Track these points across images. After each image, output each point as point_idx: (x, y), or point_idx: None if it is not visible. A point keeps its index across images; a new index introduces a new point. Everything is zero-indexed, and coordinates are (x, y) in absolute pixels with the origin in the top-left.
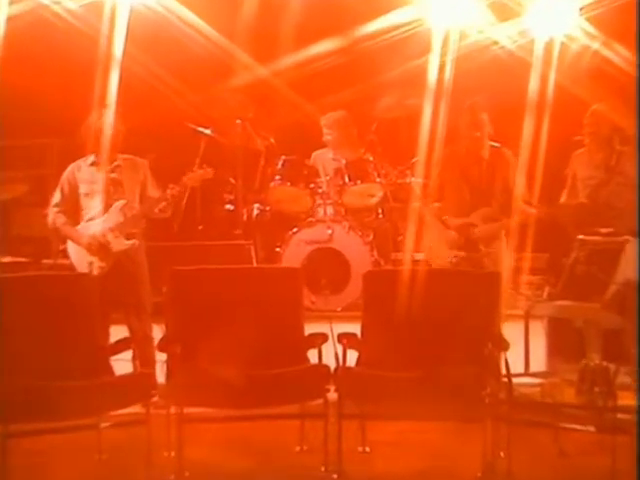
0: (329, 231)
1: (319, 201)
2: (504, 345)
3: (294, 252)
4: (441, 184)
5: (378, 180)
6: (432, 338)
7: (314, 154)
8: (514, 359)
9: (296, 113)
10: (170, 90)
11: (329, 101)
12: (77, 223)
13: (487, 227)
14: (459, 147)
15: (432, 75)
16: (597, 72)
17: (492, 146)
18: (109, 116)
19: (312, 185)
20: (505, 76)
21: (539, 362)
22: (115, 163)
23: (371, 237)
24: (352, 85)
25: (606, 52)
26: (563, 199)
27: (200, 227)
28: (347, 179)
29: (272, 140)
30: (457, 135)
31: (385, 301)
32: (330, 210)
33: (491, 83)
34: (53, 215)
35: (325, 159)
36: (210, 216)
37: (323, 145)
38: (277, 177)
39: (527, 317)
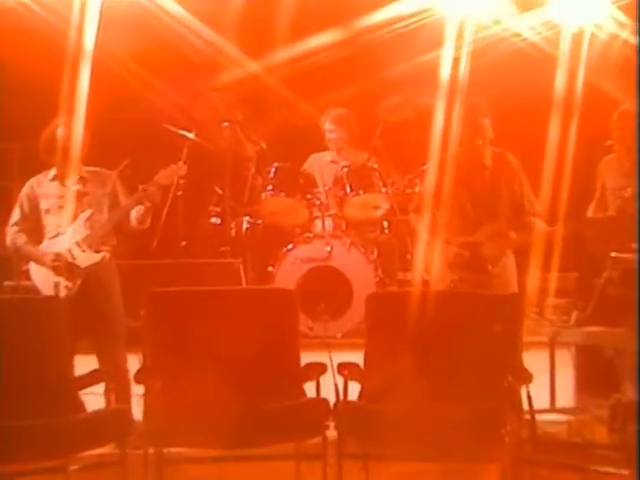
0: (328, 248)
1: (317, 214)
2: (526, 377)
3: (288, 271)
4: (438, 194)
5: (383, 190)
6: (444, 369)
7: (311, 158)
8: (537, 393)
9: (291, 114)
10: (148, 88)
11: (328, 100)
12: (39, 242)
13: (494, 244)
14: (459, 153)
15: (445, 72)
16: (628, 65)
17: (494, 151)
18: (73, 123)
19: (309, 196)
20: (527, 72)
21: (566, 396)
22: (79, 176)
23: (375, 254)
24: (354, 83)
25: (636, 41)
26: (591, 212)
27: (183, 243)
28: (348, 189)
29: (264, 145)
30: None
31: (391, 327)
32: (329, 224)
33: (511, 80)
34: (12, 235)
35: (323, 164)
36: (194, 231)
37: (322, 150)
38: (269, 187)
39: (552, 345)
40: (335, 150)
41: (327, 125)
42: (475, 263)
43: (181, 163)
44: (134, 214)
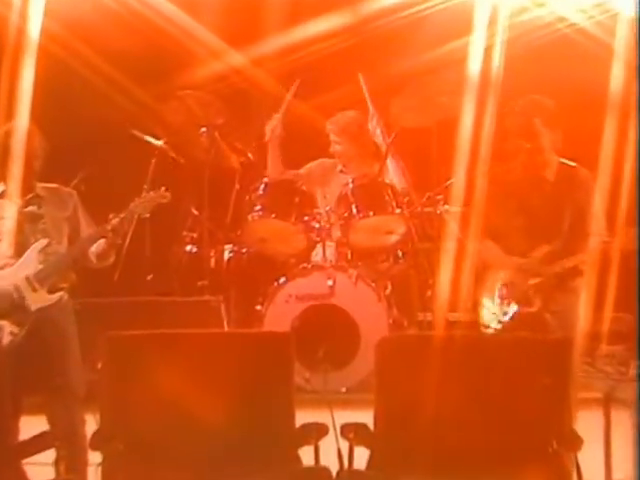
0: (330, 282)
1: (316, 240)
2: (575, 442)
3: (281, 311)
4: (488, 215)
5: (398, 211)
6: (474, 432)
7: (307, 167)
8: (590, 462)
9: (284, 117)
10: (110, 86)
11: (329, 100)
12: None
13: (550, 273)
14: (514, 165)
15: (474, 64)
16: None
17: (562, 164)
18: (23, 127)
19: (306, 217)
20: (575, 64)
21: (625, 466)
22: (33, 194)
23: (389, 290)
24: (361, 79)
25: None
26: None
27: (149, 277)
28: (355, 209)
29: (250, 156)
30: (506, 149)
31: (408, 379)
32: (331, 252)
33: (556, 74)
34: None
35: (325, 177)
36: (164, 262)
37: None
38: (257, 207)
39: (607, 403)
40: (341, 163)
41: (331, 135)
42: (524, 295)
43: (163, 190)
44: (95, 248)
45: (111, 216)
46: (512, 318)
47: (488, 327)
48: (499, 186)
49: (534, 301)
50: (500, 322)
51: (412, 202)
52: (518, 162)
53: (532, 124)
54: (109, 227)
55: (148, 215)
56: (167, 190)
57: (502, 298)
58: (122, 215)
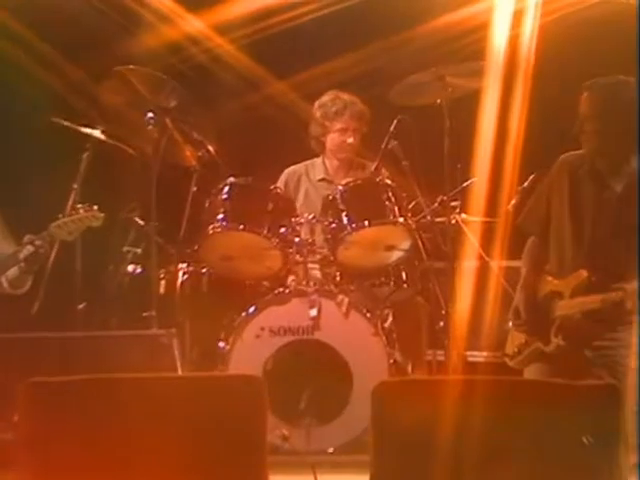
0: (313, 311)
1: (296, 257)
2: None
3: (251, 349)
4: (531, 228)
5: (401, 220)
6: None
7: (287, 172)
8: None
9: (257, 101)
10: (32, 60)
11: (315, 79)
12: None
13: (605, 300)
14: (569, 162)
15: (498, 37)
16: None
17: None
18: None
19: (284, 229)
20: (625, 43)
21: None
22: None
23: (389, 322)
24: (355, 52)
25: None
26: None
27: (80, 306)
28: (346, 219)
29: (211, 149)
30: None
31: (413, 437)
32: (316, 274)
33: (603, 54)
34: None
35: (308, 181)
36: (99, 286)
37: (307, 157)
38: (220, 215)
39: None
40: (329, 159)
41: (335, 124)
42: (570, 326)
43: (96, 209)
44: (9, 273)
45: (26, 239)
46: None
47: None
48: (551, 191)
49: (571, 334)
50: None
51: (420, 209)
52: (574, 160)
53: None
54: (21, 256)
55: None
56: (102, 194)
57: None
58: (37, 242)
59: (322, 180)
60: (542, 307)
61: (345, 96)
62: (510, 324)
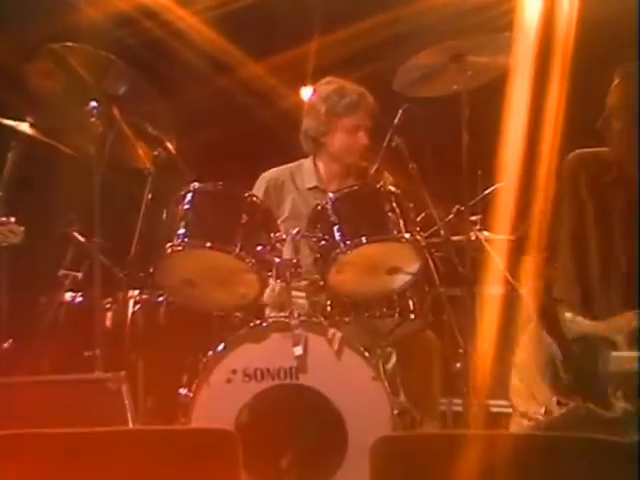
0: (298, 349)
1: (277, 282)
2: None
3: (220, 397)
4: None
5: (407, 236)
6: None
7: (266, 177)
8: None
9: (228, 86)
10: None
11: (300, 60)
12: None
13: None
14: (586, 164)
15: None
16: None
17: None
18: None
19: (261, 247)
20: None
21: None
22: None
23: (392, 362)
24: (351, 26)
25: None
26: None
27: (7, 344)
28: (338, 234)
29: (170, 147)
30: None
31: None
32: (302, 303)
33: None
34: None
35: (295, 188)
36: (29, 319)
37: (289, 156)
38: (181, 230)
39: None
40: (323, 161)
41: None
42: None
43: (13, 221)
44: None
45: None
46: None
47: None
48: (568, 194)
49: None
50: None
51: (431, 222)
52: (603, 157)
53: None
54: None
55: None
56: (30, 204)
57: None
58: None
59: (314, 188)
60: (587, 359)
61: (351, 86)
62: (541, 378)
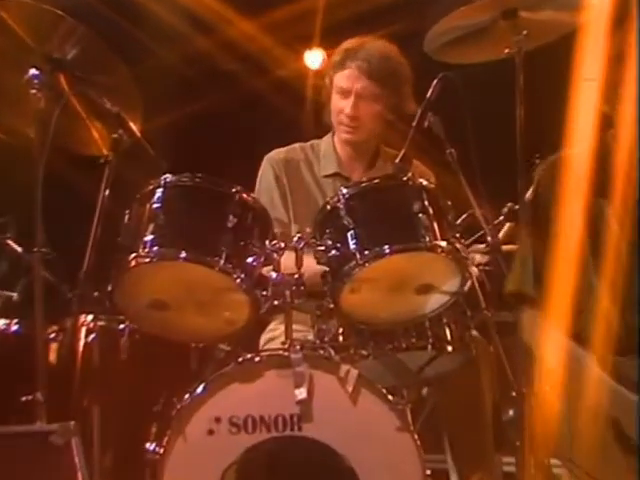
0: (301, 391)
1: (272, 303)
2: None
3: (200, 452)
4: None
5: (444, 244)
6: None
7: (273, 158)
8: None
9: (210, 49)
10: None
11: (305, 15)
12: None
13: None
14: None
15: None
16: None
17: None
18: None
19: (252, 258)
20: None
21: None
22: None
23: (425, 409)
24: None
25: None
26: None
27: None
28: (354, 241)
29: (134, 128)
30: None
31: None
32: (303, 328)
33: None
34: None
35: (310, 174)
36: None
37: (293, 138)
38: (149, 236)
39: None
40: (344, 138)
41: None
42: None
43: None
44: None
45: None
46: None
47: None
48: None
49: None
50: None
51: (475, 225)
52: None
53: None
54: None
55: None
56: None
57: None
58: None
59: (334, 175)
60: None
61: (368, 39)
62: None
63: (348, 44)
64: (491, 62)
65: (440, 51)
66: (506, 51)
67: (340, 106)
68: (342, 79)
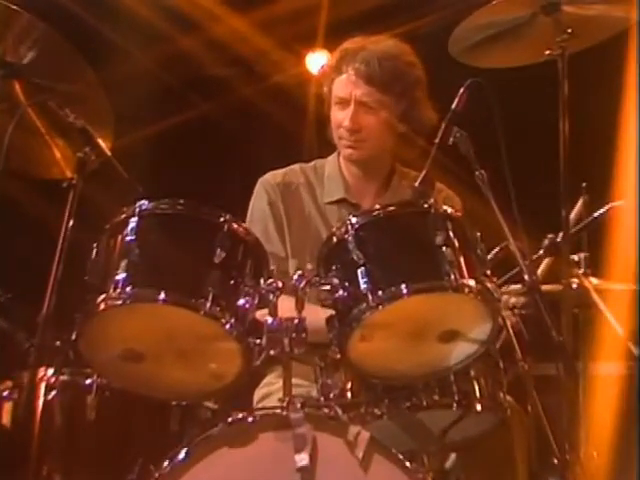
0: (302, 457)
1: (268, 353)
2: None
3: None
4: None
5: (472, 283)
6: None
7: (269, 181)
8: None
9: (194, 51)
10: None
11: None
12: None
13: None
14: None
15: None
16: None
17: None
18: None
19: (244, 300)
20: None
21: None
22: None
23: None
24: None
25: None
26: None
27: None
28: (364, 280)
29: (103, 145)
30: None
31: None
32: (303, 383)
33: None
34: None
35: (312, 200)
36: None
37: (290, 158)
38: (121, 274)
39: None
40: (349, 154)
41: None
42: None
43: None
44: None
45: None
46: None
47: None
48: None
49: None
50: None
51: (509, 261)
52: None
53: None
54: None
55: None
56: None
57: None
58: None
59: (340, 202)
60: None
61: (374, 39)
62: None
63: (348, 44)
64: (529, 66)
65: (468, 53)
66: (547, 53)
67: (339, 118)
68: (339, 86)
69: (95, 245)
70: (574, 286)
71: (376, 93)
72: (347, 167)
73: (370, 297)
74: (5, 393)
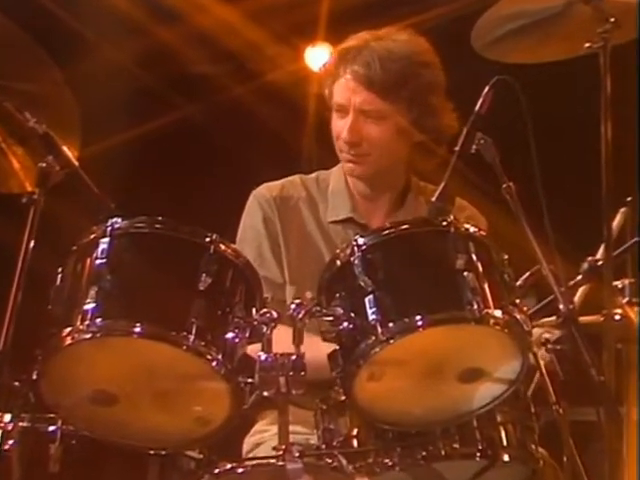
0: None
1: (261, 394)
2: None
3: None
4: None
5: (498, 314)
6: None
7: (265, 195)
8: None
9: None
10: None
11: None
12: None
13: None
14: None
15: None
16: None
17: None
18: None
19: (233, 334)
20: None
21: None
22: None
23: None
24: None
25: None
26: None
27: None
28: (372, 310)
29: (70, 155)
30: None
31: None
32: (306, 432)
33: None
34: None
35: (313, 219)
36: None
37: (286, 170)
38: (91, 304)
39: None
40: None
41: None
42: None
43: None
44: None
45: None
46: None
47: None
48: None
49: None
50: None
51: (542, 287)
52: None
53: None
54: None
55: None
56: None
57: None
58: None
59: (346, 221)
60: None
61: (381, 34)
62: None
63: (350, 41)
64: (565, 61)
65: (493, 47)
66: (586, 46)
67: (338, 128)
68: (337, 91)
69: (60, 270)
70: (617, 317)
71: (378, 100)
72: (354, 182)
73: (379, 330)
74: None
